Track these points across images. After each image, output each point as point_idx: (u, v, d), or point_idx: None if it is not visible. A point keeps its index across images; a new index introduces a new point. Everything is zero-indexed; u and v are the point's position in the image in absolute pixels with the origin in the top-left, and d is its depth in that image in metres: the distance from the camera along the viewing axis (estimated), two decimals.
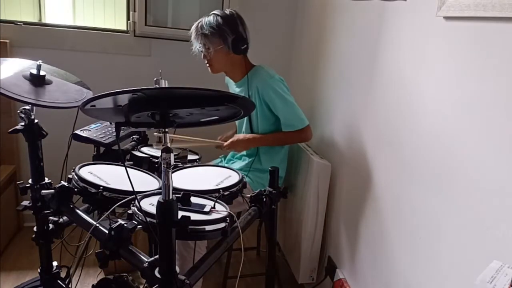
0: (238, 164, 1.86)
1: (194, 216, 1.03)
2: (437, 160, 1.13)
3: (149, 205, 1.09)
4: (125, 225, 1.00)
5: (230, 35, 1.65)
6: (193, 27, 1.69)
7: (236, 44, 1.66)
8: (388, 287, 1.35)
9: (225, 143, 1.76)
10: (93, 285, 1.19)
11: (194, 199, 1.12)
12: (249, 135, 1.79)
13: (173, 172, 1.21)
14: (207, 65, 1.75)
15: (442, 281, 1.09)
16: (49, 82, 1.32)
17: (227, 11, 1.68)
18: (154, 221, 0.91)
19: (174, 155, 0.89)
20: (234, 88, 1.86)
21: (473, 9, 0.97)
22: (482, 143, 0.97)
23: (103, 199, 1.16)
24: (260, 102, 1.73)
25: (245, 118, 1.82)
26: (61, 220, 1.32)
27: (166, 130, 0.89)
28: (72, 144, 1.37)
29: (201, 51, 1.71)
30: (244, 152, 1.90)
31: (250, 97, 1.75)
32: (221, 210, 1.14)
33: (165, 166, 0.87)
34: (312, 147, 1.93)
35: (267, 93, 1.69)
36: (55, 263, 1.46)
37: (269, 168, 1.44)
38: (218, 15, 1.65)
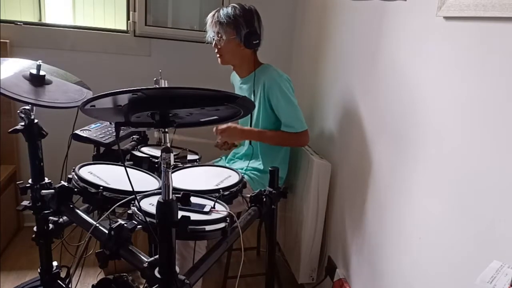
0: (239, 164, 1.86)
1: (194, 216, 1.03)
2: (438, 160, 1.13)
3: (149, 205, 1.09)
4: (125, 225, 1.00)
5: (244, 28, 1.66)
6: (210, 15, 1.71)
7: (249, 38, 1.67)
8: (388, 287, 1.35)
9: (220, 126, 1.71)
10: (93, 285, 1.19)
11: (194, 199, 1.12)
12: (247, 127, 1.78)
13: (173, 172, 1.21)
14: (217, 55, 1.74)
15: (442, 281, 1.09)
16: (49, 82, 1.32)
17: (246, 5, 1.69)
18: (154, 221, 0.91)
19: (174, 155, 0.89)
20: (239, 85, 1.86)
21: (473, 9, 0.97)
22: (483, 141, 0.97)
23: (103, 199, 1.16)
24: (264, 99, 1.73)
25: (248, 117, 1.82)
26: (61, 220, 1.32)
27: (166, 130, 0.89)
28: (72, 144, 1.37)
29: (213, 38, 1.71)
30: (244, 151, 1.90)
31: (255, 94, 1.75)
32: (221, 210, 1.14)
33: (165, 166, 0.87)
34: (312, 147, 1.93)
35: (273, 91, 1.69)
36: (55, 263, 1.46)
37: (269, 168, 1.44)
38: (236, 7, 1.67)
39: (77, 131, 1.45)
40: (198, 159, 1.67)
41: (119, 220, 1.02)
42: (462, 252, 1.02)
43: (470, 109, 1.01)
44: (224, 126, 1.72)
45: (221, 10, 1.68)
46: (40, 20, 2.69)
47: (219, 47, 1.71)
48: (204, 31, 1.77)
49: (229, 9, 1.66)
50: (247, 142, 1.86)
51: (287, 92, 1.70)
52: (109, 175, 1.28)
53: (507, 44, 0.90)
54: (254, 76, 1.75)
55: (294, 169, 1.95)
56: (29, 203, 1.36)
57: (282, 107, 1.70)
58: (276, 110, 1.72)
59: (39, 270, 1.45)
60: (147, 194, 1.16)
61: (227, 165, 1.83)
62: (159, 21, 2.37)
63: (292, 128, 1.71)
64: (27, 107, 1.28)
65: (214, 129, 1.73)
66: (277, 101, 1.70)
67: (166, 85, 1.01)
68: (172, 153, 0.88)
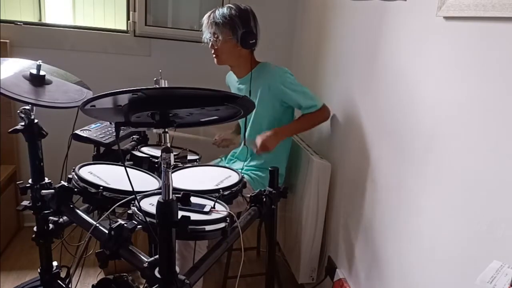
0: (239, 164, 1.86)
1: (194, 216, 1.03)
2: (438, 160, 1.13)
3: (149, 205, 1.09)
4: (125, 225, 0.99)
5: (240, 28, 1.66)
6: (206, 16, 1.72)
7: (245, 38, 1.67)
8: (388, 287, 1.35)
9: (258, 145, 1.66)
10: (93, 285, 1.19)
11: (194, 199, 1.12)
12: (274, 130, 1.71)
13: (173, 172, 1.21)
14: (213, 55, 1.75)
15: (442, 281, 1.09)
16: (49, 82, 1.32)
17: (242, 6, 1.70)
18: (154, 221, 0.91)
19: (174, 155, 0.89)
20: (236, 85, 1.86)
21: (473, 9, 0.97)
22: (483, 141, 0.97)
23: (103, 199, 1.16)
24: (269, 97, 1.74)
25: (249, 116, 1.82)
26: (61, 220, 1.32)
27: (166, 130, 0.89)
28: (72, 144, 1.37)
29: (210, 39, 1.72)
30: (240, 150, 1.90)
31: (253, 94, 1.75)
32: (221, 210, 1.14)
33: (165, 166, 0.87)
34: (312, 147, 1.93)
35: (279, 86, 1.70)
36: (55, 263, 1.46)
37: (269, 168, 1.44)
38: (232, 7, 1.67)
39: (77, 131, 1.45)
40: (198, 159, 1.67)
41: (119, 220, 1.02)
42: (462, 252, 1.02)
43: (470, 109, 1.01)
44: (259, 142, 1.66)
45: (216, 11, 1.68)
46: (40, 20, 2.69)
47: (215, 47, 1.72)
48: None
49: (225, 10, 1.66)
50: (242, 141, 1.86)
51: (291, 82, 1.71)
52: (109, 175, 1.28)
53: (507, 44, 0.90)
54: (251, 75, 1.75)
55: (294, 169, 1.95)
56: (29, 203, 1.36)
57: (294, 96, 1.71)
58: (292, 103, 1.74)
59: (39, 270, 1.45)
60: (147, 194, 1.16)
61: (227, 165, 1.83)
62: (159, 21, 2.37)
63: (314, 107, 1.73)
64: (27, 107, 1.28)
65: (255, 150, 1.69)
66: (288, 95, 1.71)
67: (166, 85, 1.00)
68: (172, 153, 0.88)
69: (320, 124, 1.84)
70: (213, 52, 1.74)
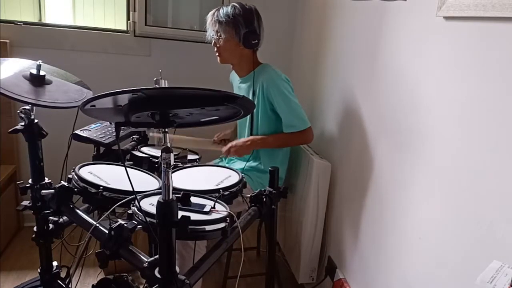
0: (239, 164, 1.86)
1: (194, 216, 1.03)
2: (439, 160, 1.13)
3: (149, 205, 1.09)
4: (125, 225, 0.99)
5: (243, 27, 1.66)
6: (210, 13, 1.72)
7: (247, 38, 1.67)
8: (388, 287, 1.35)
9: (224, 150, 1.74)
10: (93, 285, 1.19)
11: (194, 199, 1.12)
12: (249, 139, 1.77)
13: (173, 172, 1.21)
14: (216, 54, 1.75)
15: (442, 281, 1.09)
16: (49, 82, 1.32)
17: (247, 5, 1.70)
18: (154, 221, 0.91)
19: (174, 155, 0.89)
20: (238, 84, 1.87)
21: (473, 9, 0.97)
22: (483, 142, 0.97)
23: (103, 199, 1.16)
24: (263, 99, 1.73)
25: (247, 116, 1.82)
26: (61, 220, 1.32)
27: (166, 130, 0.89)
28: (72, 144, 1.37)
29: (213, 37, 1.72)
30: None
31: (255, 94, 1.76)
32: (221, 210, 1.14)
33: (165, 166, 0.87)
34: (312, 147, 1.93)
35: (272, 91, 1.70)
36: (55, 263, 1.46)
37: (269, 168, 1.44)
38: (236, 6, 1.68)
39: (77, 131, 1.45)
40: (198, 159, 1.67)
41: (119, 220, 1.02)
42: (462, 252, 1.02)
43: (470, 109, 1.01)
44: (227, 147, 1.74)
45: (221, 9, 1.69)
46: (40, 20, 2.69)
47: (218, 45, 1.72)
48: (204, 31, 1.77)
49: (229, 8, 1.67)
50: None
51: (285, 91, 1.70)
52: (109, 175, 1.28)
53: (507, 44, 0.90)
54: (254, 75, 1.75)
55: (294, 169, 1.95)
56: (29, 203, 1.36)
57: (281, 107, 1.70)
58: (277, 110, 1.73)
59: (39, 270, 1.45)
60: (147, 194, 1.16)
61: (227, 165, 1.83)
62: (159, 21, 2.37)
63: (294, 128, 1.71)
64: (27, 107, 1.28)
65: (223, 153, 1.77)
66: (276, 101, 1.70)
67: (166, 85, 1.00)
68: (172, 153, 0.88)
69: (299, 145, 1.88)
70: (215, 50, 1.75)
